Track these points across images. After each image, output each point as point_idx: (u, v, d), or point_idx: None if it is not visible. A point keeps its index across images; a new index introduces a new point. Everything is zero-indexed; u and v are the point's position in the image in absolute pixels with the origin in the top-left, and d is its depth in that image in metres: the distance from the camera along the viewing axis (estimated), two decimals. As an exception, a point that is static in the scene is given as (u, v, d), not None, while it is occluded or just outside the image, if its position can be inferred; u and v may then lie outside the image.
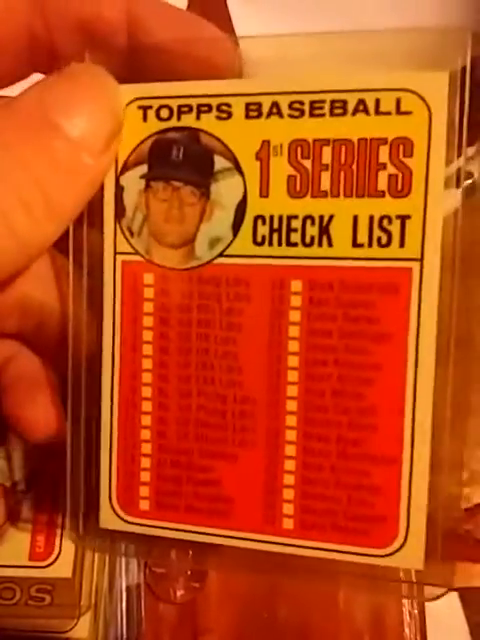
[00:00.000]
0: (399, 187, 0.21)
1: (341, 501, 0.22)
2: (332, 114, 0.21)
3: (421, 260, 0.21)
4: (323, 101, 0.21)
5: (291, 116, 0.21)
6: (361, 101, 0.21)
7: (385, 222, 0.21)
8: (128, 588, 0.34)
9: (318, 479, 0.22)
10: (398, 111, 0.21)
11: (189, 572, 0.34)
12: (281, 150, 0.21)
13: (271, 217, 0.22)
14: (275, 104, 0.21)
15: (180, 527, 0.24)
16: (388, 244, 0.21)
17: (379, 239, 0.21)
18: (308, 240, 0.21)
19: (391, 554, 0.22)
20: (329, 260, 0.21)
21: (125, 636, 0.33)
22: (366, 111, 0.21)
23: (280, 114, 0.21)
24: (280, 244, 0.22)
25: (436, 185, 0.20)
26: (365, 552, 0.22)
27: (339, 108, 0.21)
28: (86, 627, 0.31)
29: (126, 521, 0.24)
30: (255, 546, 0.23)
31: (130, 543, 0.25)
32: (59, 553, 0.30)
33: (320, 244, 0.21)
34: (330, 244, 0.21)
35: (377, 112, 0.21)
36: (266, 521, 0.23)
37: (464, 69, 0.20)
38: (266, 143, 0.21)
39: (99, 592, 0.33)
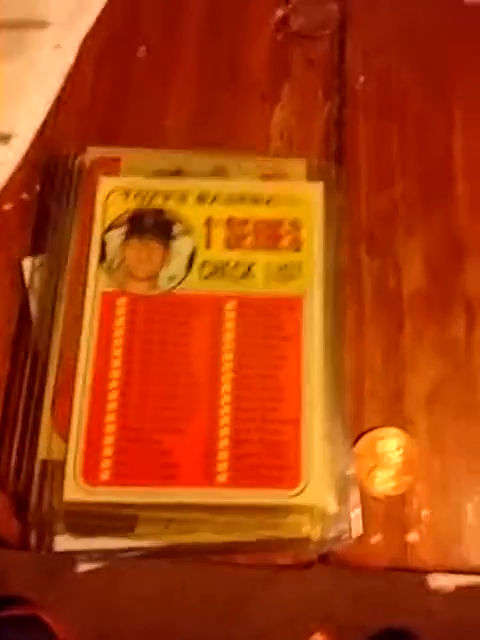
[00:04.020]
0: (295, 246, 0.33)
1: (261, 455, 0.30)
2: (253, 203, 0.34)
3: (310, 290, 0.33)
4: (245, 196, 0.34)
5: (226, 203, 0.34)
6: (269, 199, 0.34)
7: (287, 266, 0.33)
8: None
9: (245, 440, 0.31)
10: (291, 203, 0.34)
11: (401, 462, 0.33)
12: (220, 221, 0.33)
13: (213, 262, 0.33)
14: (215, 197, 0.34)
15: (136, 490, 0.30)
16: (289, 280, 0.33)
17: (282, 278, 0.33)
18: (238, 277, 0.33)
19: (298, 494, 0.30)
20: (252, 289, 0.33)
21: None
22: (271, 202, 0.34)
23: (218, 202, 0.34)
24: (219, 279, 0.33)
25: (317, 245, 0.33)
26: (279, 494, 0.30)
27: (260, 200, 0.34)
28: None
29: (90, 492, 0.30)
30: (196, 499, 0.30)
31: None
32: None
33: (245, 278, 0.33)
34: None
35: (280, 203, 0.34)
36: (205, 478, 0.30)
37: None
38: (210, 218, 0.33)
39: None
